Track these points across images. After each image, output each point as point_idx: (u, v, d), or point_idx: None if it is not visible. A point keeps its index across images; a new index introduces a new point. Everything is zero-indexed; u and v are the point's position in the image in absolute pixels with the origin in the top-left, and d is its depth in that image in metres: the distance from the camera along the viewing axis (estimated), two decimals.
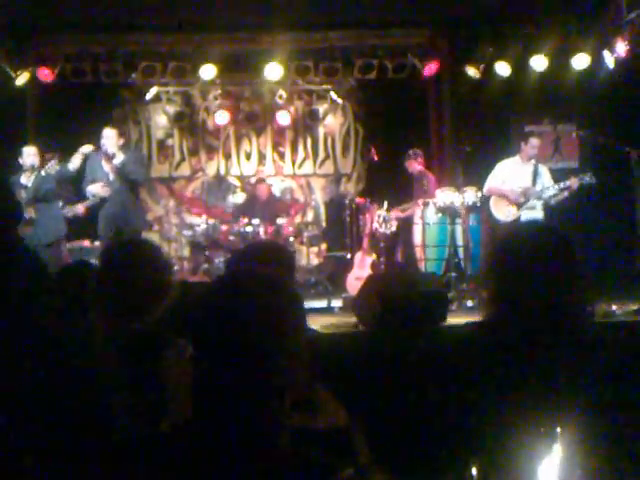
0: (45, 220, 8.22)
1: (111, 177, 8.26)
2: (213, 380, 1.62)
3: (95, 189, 8.33)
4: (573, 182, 8.54)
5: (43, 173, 8.08)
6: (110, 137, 8.24)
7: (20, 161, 8.31)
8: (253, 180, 11.83)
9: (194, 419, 1.65)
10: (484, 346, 2.17)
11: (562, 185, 8.60)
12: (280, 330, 1.63)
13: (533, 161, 8.83)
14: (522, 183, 8.75)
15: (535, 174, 8.78)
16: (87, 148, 8.23)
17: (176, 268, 10.29)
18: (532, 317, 2.12)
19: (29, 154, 8.25)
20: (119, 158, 8.22)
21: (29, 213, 8.25)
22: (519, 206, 8.68)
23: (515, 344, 2.11)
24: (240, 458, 1.57)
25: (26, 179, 8.27)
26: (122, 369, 2.35)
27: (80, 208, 8.68)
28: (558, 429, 1.94)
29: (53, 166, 8.14)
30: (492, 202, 8.87)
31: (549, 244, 2.23)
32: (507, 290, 2.20)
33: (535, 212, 8.68)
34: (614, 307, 7.59)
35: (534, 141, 8.84)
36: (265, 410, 1.60)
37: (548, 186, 8.70)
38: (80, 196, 8.73)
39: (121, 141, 8.44)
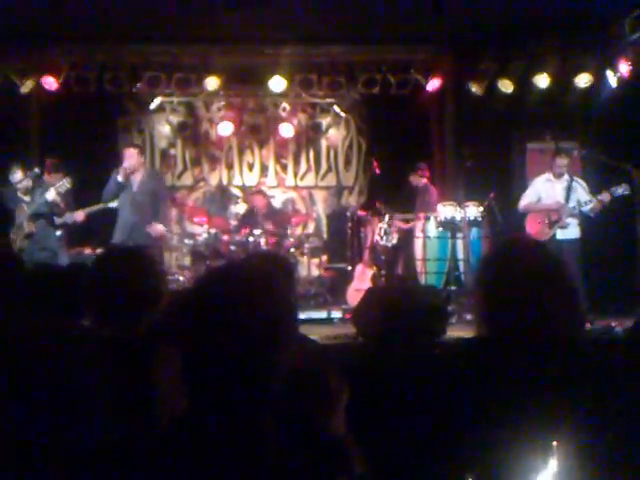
0: (43, 235, 8.40)
1: (134, 189, 8.68)
2: (198, 381, 1.63)
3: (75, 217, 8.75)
4: (605, 196, 8.50)
5: (53, 191, 8.33)
6: (133, 156, 8.70)
7: (15, 176, 8.43)
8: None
9: (183, 421, 1.65)
10: (480, 362, 2.19)
11: (597, 197, 8.54)
12: (262, 327, 1.62)
13: (566, 176, 8.76)
14: (555, 200, 8.72)
15: (569, 190, 8.68)
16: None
17: (177, 277, 10.31)
18: (524, 334, 2.13)
19: (18, 181, 8.49)
20: (140, 174, 8.70)
21: (29, 228, 8.35)
22: (551, 225, 8.64)
23: (510, 360, 2.12)
24: (231, 459, 1.57)
25: (23, 194, 8.42)
26: (109, 376, 2.35)
27: (80, 215, 8.71)
28: (554, 443, 1.96)
29: (65, 186, 8.37)
30: (527, 220, 8.88)
31: (539, 262, 2.24)
32: (498, 308, 2.21)
33: (569, 230, 8.61)
34: (613, 323, 7.63)
35: (559, 161, 8.74)
36: (250, 406, 1.60)
37: (585, 200, 8.61)
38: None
39: (142, 159, 8.98)
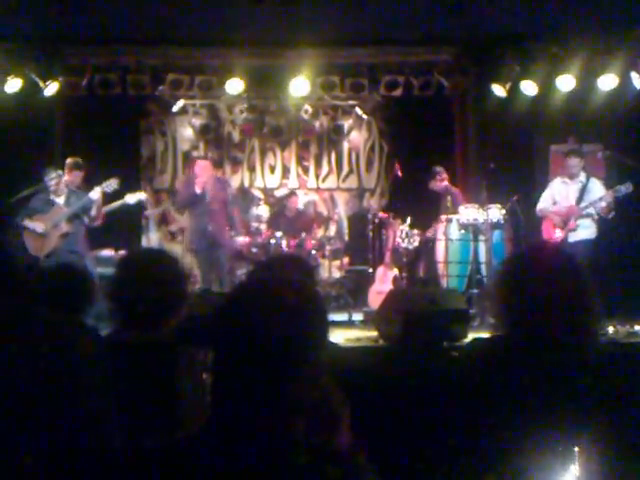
0: (75, 237, 8.50)
1: (207, 199, 9.25)
2: (231, 390, 1.63)
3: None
4: (608, 195, 8.45)
5: (99, 189, 8.46)
6: (207, 168, 9.59)
7: (50, 177, 8.48)
8: (281, 193, 11.90)
9: (210, 429, 1.65)
10: (501, 365, 2.18)
11: (601, 197, 8.51)
12: (303, 339, 1.62)
13: (582, 178, 8.74)
14: (568, 202, 8.72)
15: (583, 191, 8.66)
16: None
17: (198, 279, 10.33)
18: (544, 337, 2.12)
19: (54, 180, 8.52)
20: (210, 184, 9.34)
21: (67, 228, 8.43)
22: (562, 227, 8.63)
23: (531, 363, 2.11)
24: (255, 471, 1.57)
25: (58, 196, 8.53)
26: (130, 379, 2.36)
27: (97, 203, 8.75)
28: (576, 449, 1.94)
29: (112, 186, 8.56)
30: (543, 223, 8.90)
31: (555, 264, 2.23)
32: (518, 309, 2.20)
33: (580, 232, 8.56)
34: (637, 327, 7.57)
35: (568, 161, 8.80)
36: (282, 422, 1.60)
37: (592, 201, 8.57)
38: None
39: (213, 170, 9.91)
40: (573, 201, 8.67)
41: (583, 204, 8.60)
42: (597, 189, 8.68)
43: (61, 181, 8.49)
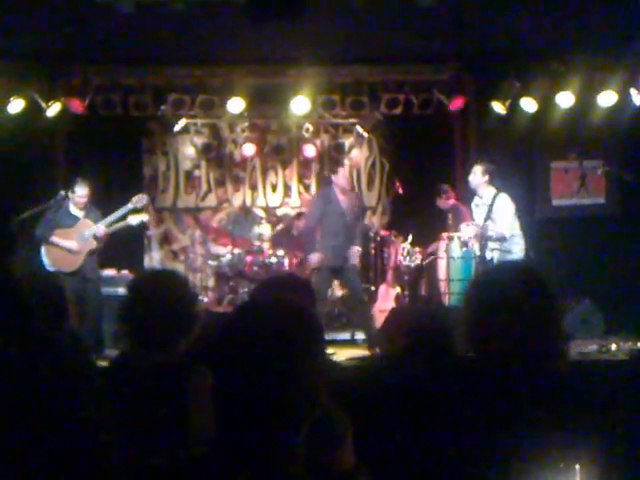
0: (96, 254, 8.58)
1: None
2: (231, 409, 1.64)
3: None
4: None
5: (131, 206, 8.62)
6: (347, 176, 9.52)
7: (80, 189, 8.55)
8: (285, 211, 11.91)
9: (213, 449, 1.66)
10: (500, 382, 2.19)
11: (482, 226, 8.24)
12: (299, 357, 1.64)
13: (487, 199, 8.42)
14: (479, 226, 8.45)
15: (489, 210, 8.30)
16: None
17: (201, 298, 10.34)
18: (511, 355, 2.14)
19: (84, 194, 8.61)
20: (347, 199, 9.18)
21: (98, 244, 8.51)
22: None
23: (524, 381, 2.12)
24: None
25: (81, 210, 8.62)
26: (142, 400, 2.37)
27: (101, 229, 8.77)
28: (577, 466, 1.94)
29: (142, 201, 8.74)
30: None
31: (519, 283, 2.25)
32: (481, 331, 2.22)
33: (491, 254, 8.38)
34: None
35: (473, 168, 8.65)
36: (281, 440, 1.62)
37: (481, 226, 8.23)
38: None
39: None
40: (481, 221, 8.36)
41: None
42: (499, 209, 8.31)
43: (87, 196, 8.55)
